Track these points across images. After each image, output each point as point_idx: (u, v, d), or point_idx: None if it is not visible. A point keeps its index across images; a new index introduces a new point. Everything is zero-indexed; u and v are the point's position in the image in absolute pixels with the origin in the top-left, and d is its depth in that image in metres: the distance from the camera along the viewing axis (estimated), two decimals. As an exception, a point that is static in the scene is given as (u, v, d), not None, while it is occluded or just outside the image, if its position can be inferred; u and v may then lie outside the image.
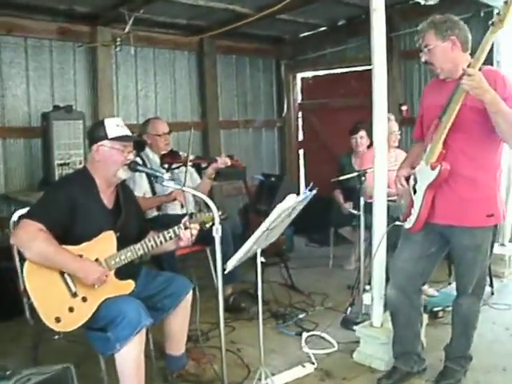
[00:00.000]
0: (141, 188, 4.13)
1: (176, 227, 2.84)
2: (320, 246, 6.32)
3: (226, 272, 2.66)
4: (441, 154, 2.71)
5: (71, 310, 2.55)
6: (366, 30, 6.09)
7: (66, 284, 2.57)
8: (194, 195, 4.43)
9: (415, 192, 2.88)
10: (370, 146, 5.43)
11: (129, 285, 2.74)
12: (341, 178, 4.15)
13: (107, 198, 2.83)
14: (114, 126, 2.79)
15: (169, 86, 5.93)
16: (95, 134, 2.80)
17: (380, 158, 3.22)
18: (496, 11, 2.41)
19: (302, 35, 6.83)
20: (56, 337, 2.60)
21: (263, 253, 4.06)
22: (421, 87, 5.97)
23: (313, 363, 3.35)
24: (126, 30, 4.87)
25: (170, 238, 2.84)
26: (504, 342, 3.61)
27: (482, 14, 5.01)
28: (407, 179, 2.96)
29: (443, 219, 2.81)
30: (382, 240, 3.22)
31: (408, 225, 2.93)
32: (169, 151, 4.31)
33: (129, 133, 2.86)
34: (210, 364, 3.23)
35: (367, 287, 4.01)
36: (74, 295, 2.57)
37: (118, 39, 4.97)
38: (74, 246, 2.62)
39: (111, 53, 5.25)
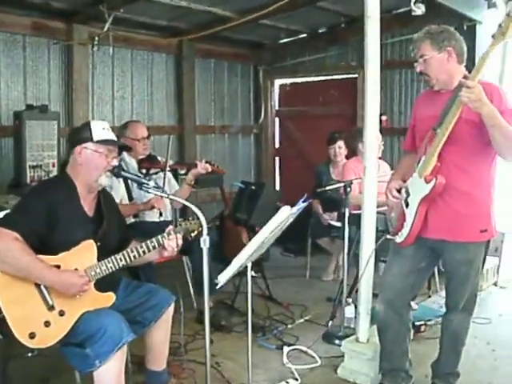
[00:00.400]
0: (118, 193, 3.95)
1: (159, 236, 2.70)
2: (295, 256, 6.23)
3: (218, 287, 2.52)
4: (435, 167, 2.63)
5: (47, 324, 2.37)
6: (347, 38, 6.23)
7: (43, 296, 2.39)
8: (171, 202, 4.38)
9: (407, 205, 2.80)
10: (348, 156, 5.42)
11: (109, 297, 2.58)
12: (326, 188, 4.06)
13: (88, 205, 2.66)
14: (100, 129, 2.64)
15: (145, 89, 5.78)
16: (79, 135, 2.63)
17: (370, 173, 3.14)
18: (498, 23, 2.35)
19: (282, 41, 6.77)
20: (29, 354, 2.43)
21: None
22: (401, 97, 5.99)
23: (296, 379, 3.25)
24: (105, 28, 4.72)
25: (154, 247, 2.70)
26: (486, 357, 3.58)
27: (464, 27, 5.02)
28: (398, 191, 2.88)
29: (436, 234, 2.74)
30: (370, 256, 3.13)
31: (399, 239, 2.84)
32: (147, 156, 4.17)
33: (114, 138, 2.71)
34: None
35: (349, 300, 3.94)
36: (51, 308, 2.40)
37: (96, 38, 4.80)
38: (52, 255, 2.44)
39: (88, 52, 5.08)
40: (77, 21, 4.92)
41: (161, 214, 4.09)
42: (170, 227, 2.76)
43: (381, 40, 5.85)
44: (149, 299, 2.80)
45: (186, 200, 4.32)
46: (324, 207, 5.35)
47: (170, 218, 4.42)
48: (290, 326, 4.12)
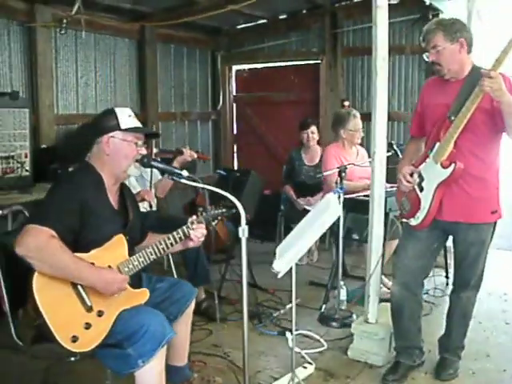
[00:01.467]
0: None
1: (184, 227, 2.61)
2: (262, 242, 6.23)
3: (279, 276, 2.48)
4: (451, 153, 2.73)
5: (88, 326, 2.23)
6: (308, 24, 6.26)
7: (80, 297, 2.25)
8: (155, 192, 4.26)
9: (421, 190, 2.88)
10: (320, 141, 5.49)
11: (143, 293, 2.48)
12: (326, 173, 4.07)
13: (113, 198, 2.52)
14: (127, 116, 2.48)
15: (109, 75, 5.55)
16: (105, 123, 2.45)
17: (379, 158, 3.18)
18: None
19: (240, 27, 6.70)
20: (72, 358, 2.29)
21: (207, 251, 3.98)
22: (363, 84, 6.09)
23: (310, 363, 3.27)
24: (74, 11, 4.46)
25: (180, 238, 2.60)
26: (476, 329, 3.70)
27: (430, 17, 5.18)
28: (411, 176, 2.95)
29: (451, 216, 2.84)
30: (382, 240, 3.20)
31: (415, 222, 2.92)
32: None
33: (140, 124, 2.56)
34: (212, 378, 3.04)
35: (341, 283, 4.01)
36: (90, 309, 2.26)
37: (64, 21, 4.53)
38: (84, 253, 2.29)
39: (51, 35, 4.79)
40: (39, 1, 4.63)
41: (151, 206, 3.97)
42: (194, 217, 2.67)
43: (343, 27, 6.13)
44: (173, 293, 2.72)
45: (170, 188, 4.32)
46: (296, 192, 5.38)
47: (154, 208, 4.31)
48: (282, 312, 4.13)
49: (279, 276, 2.53)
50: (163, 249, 2.53)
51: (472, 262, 2.93)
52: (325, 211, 2.47)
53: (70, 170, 4.13)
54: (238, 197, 4.32)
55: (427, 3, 4.93)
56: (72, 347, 2.18)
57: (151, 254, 2.49)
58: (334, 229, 4.05)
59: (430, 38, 2.78)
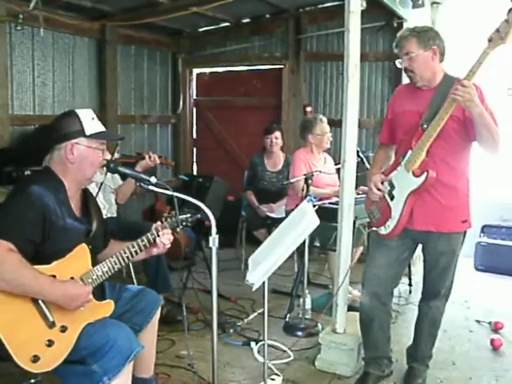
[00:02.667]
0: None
1: (149, 234, 2.51)
2: (221, 248, 6.12)
3: (253, 289, 2.40)
4: (423, 162, 2.72)
5: (50, 343, 2.08)
6: (272, 28, 6.23)
7: (41, 313, 2.09)
8: (115, 198, 4.13)
9: (392, 198, 2.85)
10: (283, 147, 5.46)
11: (108, 305, 2.36)
12: (292, 180, 4.01)
13: (75, 205, 2.37)
14: (90, 120, 2.33)
15: (67, 75, 5.34)
16: (67, 128, 2.28)
17: (349, 166, 3.15)
18: (495, 27, 2.41)
19: (202, 29, 6.60)
20: (32, 380, 2.14)
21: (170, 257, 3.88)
22: (325, 89, 6.10)
23: (278, 375, 3.19)
24: (31, 6, 4.26)
25: (145, 246, 2.49)
26: (441, 338, 3.65)
27: (395, 25, 5.22)
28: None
29: (421, 225, 2.83)
30: (351, 248, 3.16)
31: (385, 231, 2.89)
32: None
33: (104, 128, 2.42)
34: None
35: (306, 292, 3.97)
36: (52, 325, 2.10)
37: (21, 16, 4.32)
38: (45, 265, 2.14)
39: (5, 31, 4.57)
40: (-9, -5, 4.42)
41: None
42: (158, 223, 2.57)
43: (306, 32, 6.12)
44: (137, 302, 2.60)
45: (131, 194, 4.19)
46: (259, 199, 5.32)
47: (115, 214, 4.16)
48: (245, 321, 4.05)
49: (254, 289, 2.43)
50: (127, 257, 2.42)
51: (442, 272, 2.92)
52: (301, 221, 2.40)
53: (28, 173, 3.98)
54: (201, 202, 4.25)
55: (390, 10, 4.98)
56: (32, 368, 2.02)
57: (115, 264, 2.38)
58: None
59: (404, 45, 2.78)
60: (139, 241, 2.48)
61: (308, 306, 3.98)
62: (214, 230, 2.39)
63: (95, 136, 2.32)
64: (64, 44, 5.26)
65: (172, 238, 2.59)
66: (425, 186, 2.71)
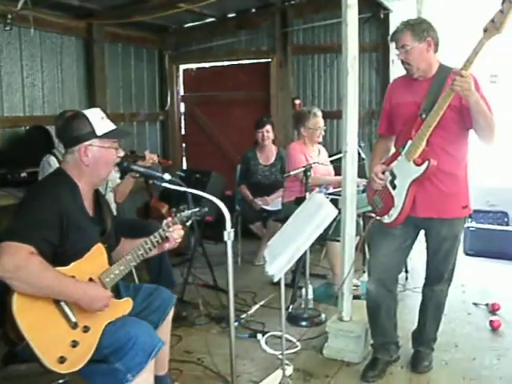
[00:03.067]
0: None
1: (160, 230, 2.53)
2: (215, 243, 6.17)
3: (275, 280, 2.44)
4: (424, 151, 2.78)
5: (75, 344, 2.10)
6: (258, 23, 6.25)
7: (64, 314, 2.11)
8: (114, 196, 4.13)
9: (394, 187, 2.91)
10: (275, 140, 5.50)
11: (127, 303, 2.38)
12: (293, 172, 4.04)
13: (88, 205, 2.39)
14: (100, 120, 2.33)
15: (56, 75, 5.32)
16: (78, 131, 2.28)
17: (351, 157, 3.20)
18: (490, 18, 2.44)
19: (188, 25, 6.60)
20: (61, 381, 2.17)
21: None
22: (313, 81, 6.16)
23: (288, 364, 3.24)
24: (19, 7, 4.23)
25: (158, 242, 2.52)
26: (442, 321, 3.83)
27: (381, 16, 5.29)
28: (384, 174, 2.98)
29: (424, 213, 2.90)
30: (356, 238, 3.22)
31: (388, 219, 2.94)
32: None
33: (114, 126, 2.42)
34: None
35: (308, 282, 4.03)
36: (75, 326, 2.12)
37: (9, 16, 4.28)
38: (63, 266, 2.15)
39: (-8, 31, 4.55)
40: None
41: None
42: (169, 219, 2.59)
43: (293, 25, 6.15)
44: (152, 301, 2.63)
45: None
46: (253, 192, 5.36)
47: (115, 213, 4.16)
48: (249, 313, 4.09)
49: (275, 280, 2.48)
50: (142, 254, 2.45)
51: (445, 256, 3.00)
52: (317, 212, 2.45)
53: (24, 176, 3.96)
54: (199, 199, 4.30)
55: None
56: (60, 369, 2.04)
57: (131, 261, 2.40)
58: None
59: (399, 38, 2.83)
60: (152, 237, 2.50)
61: (310, 296, 4.04)
62: (228, 223, 2.42)
63: (107, 135, 2.33)
64: (52, 44, 5.23)
65: (183, 232, 2.61)
66: (426, 174, 2.77)
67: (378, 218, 3.04)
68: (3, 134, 4.75)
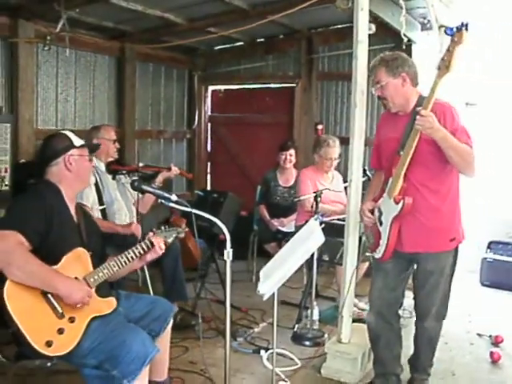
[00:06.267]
0: (88, 197, 3.83)
1: (142, 242, 2.78)
2: (233, 260, 6.30)
3: (264, 299, 2.58)
4: (402, 188, 2.81)
5: (61, 331, 2.34)
6: (285, 48, 6.45)
7: (51, 305, 2.35)
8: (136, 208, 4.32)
9: (381, 223, 2.96)
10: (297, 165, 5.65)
11: (111, 302, 2.62)
12: (302, 198, 4.19)
13: (73, 212, 2.68)
14: (74, 136, 2.72)
15: (88, 91, 5.61)
16: (59, 145, 2.64)
17: (355, 185, 3.32)
18: (440, 57, 2.53)
19: (218, 48, 6.84)
20: (49, 364, 2.37)
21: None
22: (336, 108, 6.30)
23: (285, 381, 3.36)
24: (58, 28, 4.51)
25: (140, 253, 2.75)
26: (442, 349, 3.82)
27: (403, 47, 5.40)
28: (372, 211, 3.04)
29: (410, 247, 2.93)
30: (355, 263, 3.33)
31: (378, 255, 3.00)
32: (115, 159, 4.12)
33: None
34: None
35: (314, 303, 4.14)
36: (61, 316, 2.37)
37: (48, 37, 4.58)
38: (50, 264, 2.39)
39: (33, 50, 4.84)
40: (22, 17, 4.68)
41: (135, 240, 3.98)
42: (150, 234, 2.83)
43: (319, 52, 6.32)
44: (153, 309, 2.82)
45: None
46: (270, 213, 5.51)
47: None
48: (256, 330, 4.22)
49: (264, 298, 2.62)
50: (124, 262, 2.68)
51: (430, 291, 3.00)
52: (308, 237, 2.59)
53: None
54: (215, 217, 4.47)
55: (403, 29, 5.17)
56: (47, 351, 2.28)
57: (114, 266, 2.63)
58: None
59: (375, 74, 2.92)
60: (134, 248, 2.74)
61: (316, 317, 4.14)
62: (228, 244, 2.57)
63: (83, 146, 2.69)
64: (86, 62, 5.53)
65: (164, 246, 2.84)
66: (404, 211, 2.80)
67: (369, 253, 3.14)
68: (36, 146, 5.01)
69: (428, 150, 2.76)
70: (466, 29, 2.44)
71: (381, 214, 2.96)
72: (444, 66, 2.48)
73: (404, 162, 2.74)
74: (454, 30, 2.45)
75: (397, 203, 2.80)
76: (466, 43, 2.44)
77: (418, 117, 2.57)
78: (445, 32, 2.59)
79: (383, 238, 2.93)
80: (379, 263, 3.05)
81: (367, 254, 3.16)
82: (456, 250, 3.02)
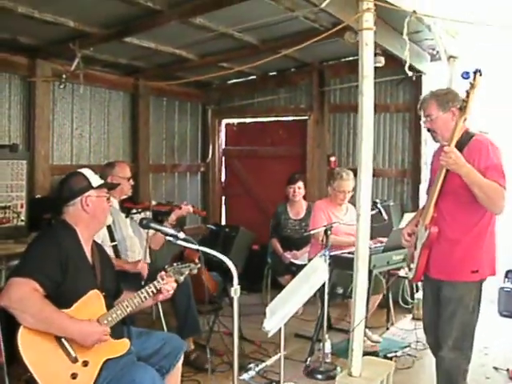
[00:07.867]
0: (98, 234, 3.87)
1: (155, 282, 2.76)
2: (248, 293, 6.30)
3: (269, 336, 2.57)
4: (432, 218, 2.94)
5: (74, 376, 2.34)
6: (296, 81, 6.53)
7: (65, 349, 2.35)
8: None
9: (415, 248, 3.09)
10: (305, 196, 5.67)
11: (124, 343, 2.60)
12: (313, 232, 4.20)
13: (88, 253, 2.68)
14: (93, 175, 2.72)
15: (103, 127, 5.73)
16: (77, 186, 2.64)
17: (364, 218, 3.32)
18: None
19: (231, 82, 6.95)
20: None
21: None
22: (349, 140, 6.33)
23: (296, 416, 3.32)
24: (73, 67, 4.64)
25: (152, 292, 2.74)
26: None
27: (414, 78, 5.44)
28: (411, 235, 3.16)
29: (434, 274, 3.03)
30: (366, 295, 3.32)
31: (410, 275, 3.17)
32: (128, 196, 4.16)
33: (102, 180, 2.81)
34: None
35: (326, 336, 4.10)
36: (75, 360, 2.36)
37: (64, 76, 4.71)
38: (64, 309, 2.40)
39: (50, 88, 4.98)
40: (40, 56, 4.83)
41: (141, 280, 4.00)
42: (162, 272, 2.81)
43: (330, 85, 6.38)
44: (163, 346, 2.81)
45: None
46: (283, 246, 5.51)
47: (148, 260, 4.38)
48: (268, 364, 4.17)
49: (269, 335, 2.61)
50: (138, 302, 2.67)
51: (447, 319, 2.97)
52: (312, 275, 2.60)
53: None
54: (227, 252, 4.49)
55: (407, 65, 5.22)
56: None
57: (127, 307, 2.62)
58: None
59: (425, 108, 3.02)
60: (147, 288, 2.73)
61: (328, 350, 4.10)
62: (235, 280, 2.57)
63: (100, 186, 2.70)
64: (100, 98, 5.66)
65: (175, 285, 2.82)
66: (430, 239, 2.93)
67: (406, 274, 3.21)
68: (52, 181, 5.11)
69: (458, 184, 2.82)
70: (480, 74, 2.62)
71: (417, 238, 3.09)
72: (463, 106, 2.64)
73: (434, 192, 2.89)
74: (471, 74, 2.63)
75: (426, 231, 2.93)
76: (480, 87, 2.62)
77: (442, 153, 2.68)
78: (462, 76, 2.76)
79: (415, 261, 3.07)
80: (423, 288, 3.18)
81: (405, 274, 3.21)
82: (480, 283, 2.99)
